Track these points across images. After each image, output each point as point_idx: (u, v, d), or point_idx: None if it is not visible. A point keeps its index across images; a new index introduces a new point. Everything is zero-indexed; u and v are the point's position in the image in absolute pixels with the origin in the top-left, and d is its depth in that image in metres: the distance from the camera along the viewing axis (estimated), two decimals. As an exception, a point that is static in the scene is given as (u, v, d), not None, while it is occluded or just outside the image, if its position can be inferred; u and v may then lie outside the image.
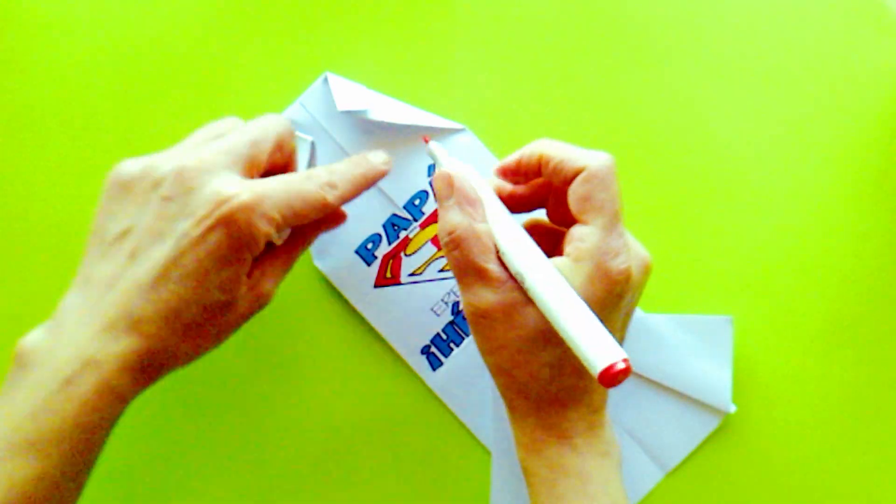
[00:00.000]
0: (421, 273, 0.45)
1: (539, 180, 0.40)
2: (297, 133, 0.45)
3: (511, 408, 0.39)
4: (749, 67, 0.46)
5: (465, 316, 0.38)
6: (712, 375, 0.44)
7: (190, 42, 0.46)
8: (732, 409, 0.44)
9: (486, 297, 0.36)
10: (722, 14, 0.46)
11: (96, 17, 0.46)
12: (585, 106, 0.46)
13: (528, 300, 0.36)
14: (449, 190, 0.38)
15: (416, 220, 0.45)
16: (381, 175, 0.41)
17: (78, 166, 0.46)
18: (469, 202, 0.38)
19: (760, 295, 0.45)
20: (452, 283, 0.45)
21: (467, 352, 0.45)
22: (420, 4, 0.46)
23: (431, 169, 0.45)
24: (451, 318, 0.45)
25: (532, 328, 0.36)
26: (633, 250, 0.37)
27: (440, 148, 0.41)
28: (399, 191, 0.45)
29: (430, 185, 0.45)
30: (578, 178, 0.37)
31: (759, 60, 0.46)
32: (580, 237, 0.36)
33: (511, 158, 0.40)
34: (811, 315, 0.45)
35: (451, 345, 0.45)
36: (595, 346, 0.33)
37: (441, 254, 0.45)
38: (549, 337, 0.36)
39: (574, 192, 0.37)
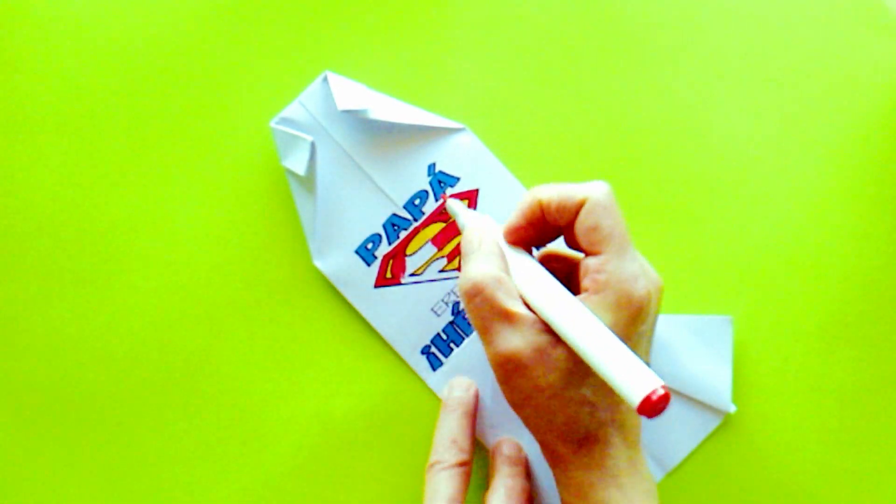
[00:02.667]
0: (421, 273, 0.45)
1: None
2: (297, 133, 0.45)
3: (551, 454, 0.39)
4: (749, 67, 0.46)
5: (494, 368, 0.37)
6: (712, 375, 0.44)
7: (189, 41, 0.46)
8: (732, 409, 0.44)
9: (515, 341, 0.36)
10: (722, 14, 0.46)
11: (96, 17, 0.46)
12: (585, 106, 0.46)
13: (557, 341, 0.36)
14: (477, 244, 0.39)
15: (416, 220, 0.45)
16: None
17: (78, 166, 0.46)
18: (494, 254, 0.38)
19: (760, 295, 0.45)
20: (453, 284, 0.45)
21: (467, 352, 0.45)
22: (420, 4, 0.46)
23: (431, 169, 0.45)
24: (451, 318, 0.45)
25: (565, 368, 0.36)
26: (649, 274, 0.37)
27: (458, 203, 0.43)
28: (399, 191, 0.45)
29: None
30: (583, 211, 0.37)
31: (759, 60, 0.46)
32: (596, 268, 0.36)
33: (513, 219, 0.39)
34: (811, 315, 0.45)
35: (451, 345, 0.45)
36: (631, 377, 0.32)
37: (441, 254, 0.45)
38: (583, 374, 0.36)
39: (581, 225, 0.37)
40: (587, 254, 0.37)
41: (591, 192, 0.37)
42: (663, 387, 0.31)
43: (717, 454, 0.44)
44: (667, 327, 0.44)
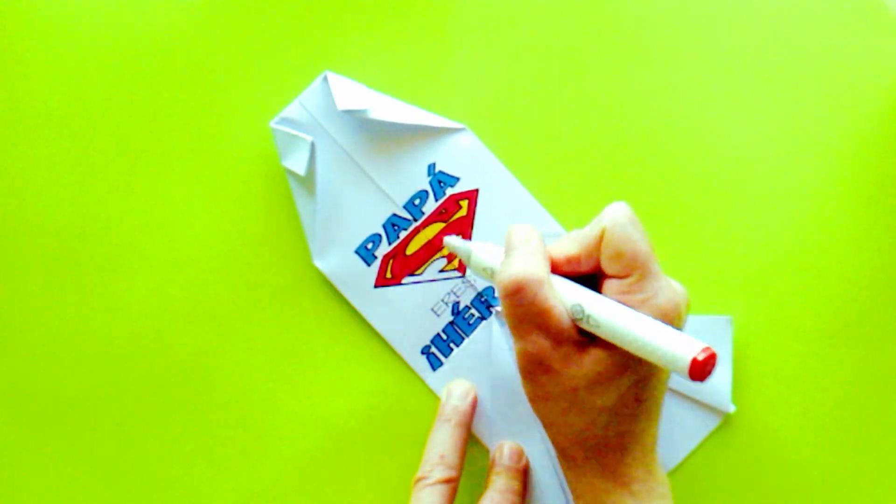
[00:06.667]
0: (421, 273, 0.45)
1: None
2: (297, 133, 0.45)
3: (566, 457, 0.39)
4: (749, 67, 0.46)
5: (519, 362, 0.37)
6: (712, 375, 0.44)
7: (189, 41, 0.46)
8: (732, 408, 0.44)
9: (545, 343, 0.36)
10: (722, 14, 0.46)
11: (96, 17, 0.46)
12: (586, 105, 0.46)
13: (587, 346, 0.36)
14: (521, 240, 0.38)
15: (416, 220, 0.45)
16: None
17: (78, 167, 0.46)
18: (539, 252, 0.38)
19: (760, 295, 0.45)
20: (453, 284, 0.45)
21: (467, 352, 0.45)
22: (420, 4, 0.46)
23: (431, 168, 0.45)
24: (451, 318, 0.45)
25: (589, 373, 0.36)
26: (674, 287, 0.37)
27: (458, 239, 0.42)
28: (399, 191, 0.45)
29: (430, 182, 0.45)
30: (602, 244, 0.37)
31: (759, 60, 0.46)
32: (620, 290, 0.36)
33: (570, 252, 0.39)
34: (811, 315, 0.45)
35: (451, 345, 0.45)
36: (677, 344, 0.33)
37: (442, 253, 0.45)
38: (607, 381, 0.36)
39: (603, 256, 0.37)
40: (611, 277, 0.37)
41: (606, 220, 0.37)
42: (709, 347, 0.33)
43: (717, 454, 0.44)
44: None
